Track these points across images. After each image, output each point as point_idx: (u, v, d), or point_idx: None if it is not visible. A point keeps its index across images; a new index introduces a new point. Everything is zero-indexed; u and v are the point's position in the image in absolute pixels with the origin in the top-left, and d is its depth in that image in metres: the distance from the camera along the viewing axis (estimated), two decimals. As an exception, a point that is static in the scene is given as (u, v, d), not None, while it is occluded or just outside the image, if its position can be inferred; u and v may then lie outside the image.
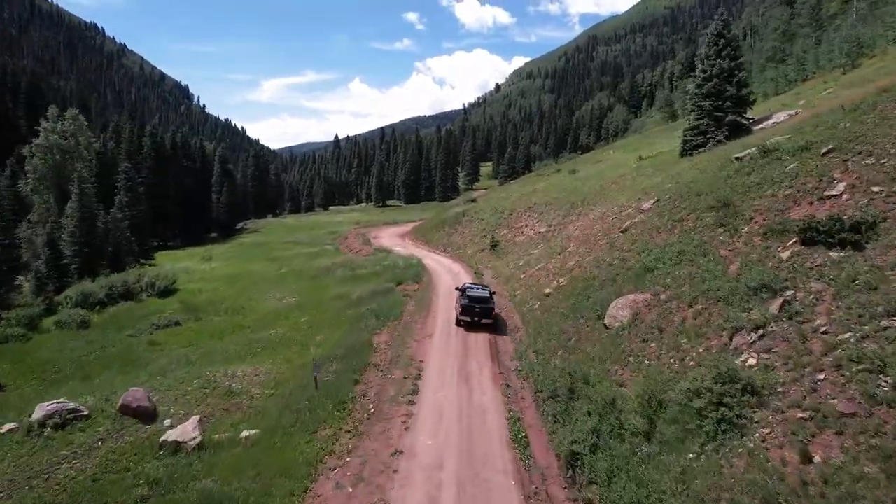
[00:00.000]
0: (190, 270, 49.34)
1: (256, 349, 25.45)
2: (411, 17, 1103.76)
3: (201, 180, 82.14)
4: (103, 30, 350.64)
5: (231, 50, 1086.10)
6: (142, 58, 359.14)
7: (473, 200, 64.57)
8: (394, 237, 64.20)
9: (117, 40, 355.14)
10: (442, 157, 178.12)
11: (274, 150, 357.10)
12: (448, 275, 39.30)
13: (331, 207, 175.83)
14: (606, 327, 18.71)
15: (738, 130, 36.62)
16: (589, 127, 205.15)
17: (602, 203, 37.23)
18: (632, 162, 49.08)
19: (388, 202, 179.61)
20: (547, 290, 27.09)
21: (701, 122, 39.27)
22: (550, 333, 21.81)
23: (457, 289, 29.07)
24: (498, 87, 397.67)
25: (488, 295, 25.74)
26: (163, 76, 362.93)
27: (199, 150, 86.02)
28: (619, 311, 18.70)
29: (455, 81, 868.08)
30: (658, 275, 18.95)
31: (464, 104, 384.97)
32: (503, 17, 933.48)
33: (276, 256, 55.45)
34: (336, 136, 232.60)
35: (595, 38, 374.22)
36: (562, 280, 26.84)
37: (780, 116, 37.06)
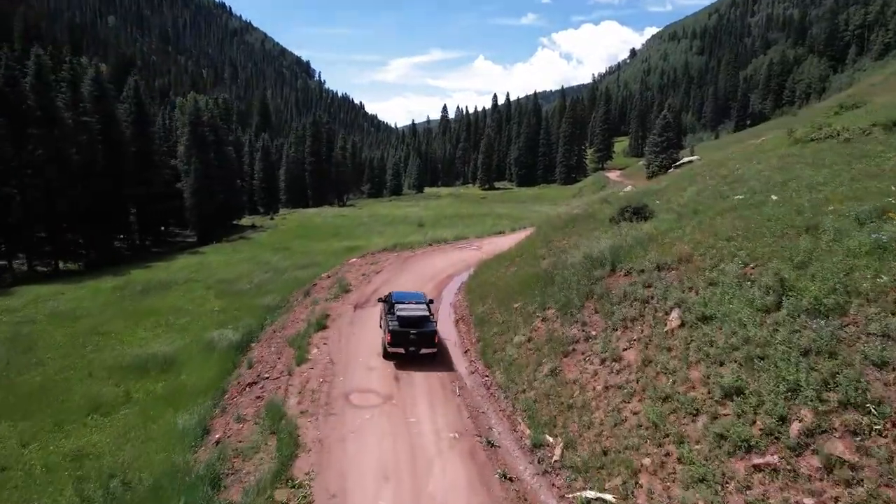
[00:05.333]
0: None
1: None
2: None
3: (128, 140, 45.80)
4: (230, 8, 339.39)
5: (359, 31, 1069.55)
6: (265, 34, 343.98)
7: (644, 215, 19.40)
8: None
9: (243, 18, 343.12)
10: (566, 129, 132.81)
11: (394, 127, 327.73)
12: None
13: (427, 189, 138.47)
14: None
15: None
16: (765, 88, 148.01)
17: None
18: None
19: (497, 184, 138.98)
20: None
21: None
22: None
23: (380, 300, 19.46)
24: (634, 51, 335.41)
25: (426, 311, 17.64)
26: (283, 51, 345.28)
27: (93, 85, 45.38)
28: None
29: (582, 56, 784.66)
30: None
31: (593, 74, 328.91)
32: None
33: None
34: (444, 107, 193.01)
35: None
36: None
37: None
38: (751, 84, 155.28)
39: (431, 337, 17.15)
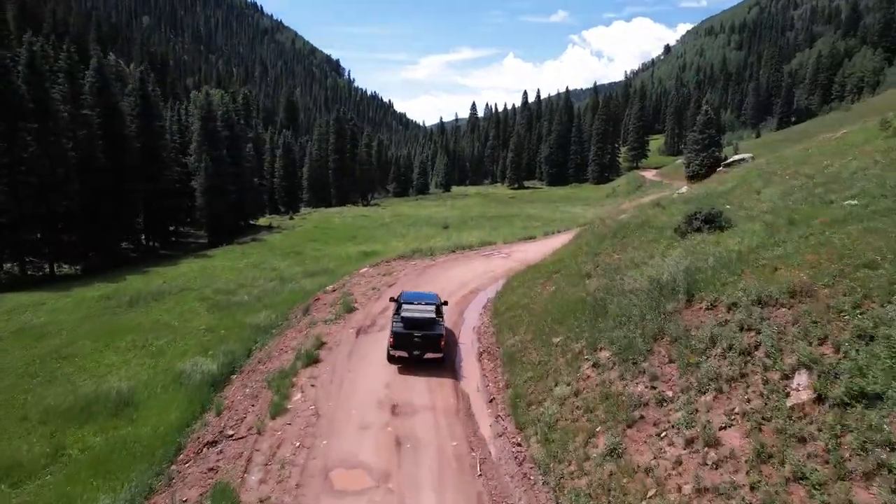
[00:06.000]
0: None
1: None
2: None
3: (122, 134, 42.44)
4: (262, 7, 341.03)
5: (389, 30, 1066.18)
6: (295, 33, 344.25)
7: (719, 224, 14.78)
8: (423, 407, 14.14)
9: (274, 17, 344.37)
10: (598, 127, 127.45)
11: (422, 125, 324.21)
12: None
13: (454, 188, 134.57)
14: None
15: None
16: (812, 83, 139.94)
17: None
18: None
19: (526, 183, 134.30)
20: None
21: None
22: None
23: (392, 299, 19.06)
24: (668, 47, 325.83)
25: (433, 314, 16.60)
26: (313, 50, 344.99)
27: (95, 76, 42.92)
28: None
29: (613, 53, 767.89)
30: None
31: (625, 71, 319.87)
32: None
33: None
34: (473, 105, 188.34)
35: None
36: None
37: None
38: (795, 79, 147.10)
39: (437, 340, 16.30)
